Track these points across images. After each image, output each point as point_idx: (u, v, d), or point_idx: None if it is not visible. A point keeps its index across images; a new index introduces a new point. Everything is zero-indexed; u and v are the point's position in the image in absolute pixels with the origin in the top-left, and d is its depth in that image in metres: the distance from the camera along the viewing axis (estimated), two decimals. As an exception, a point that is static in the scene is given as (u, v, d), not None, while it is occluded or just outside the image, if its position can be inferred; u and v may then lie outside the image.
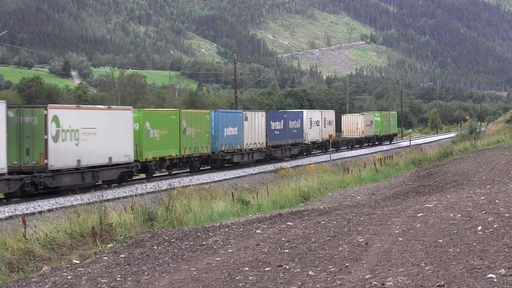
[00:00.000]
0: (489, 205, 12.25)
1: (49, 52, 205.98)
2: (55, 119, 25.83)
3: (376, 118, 69.75)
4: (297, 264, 8.72)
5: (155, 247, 11.04)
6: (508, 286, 6.62)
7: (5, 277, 9.84)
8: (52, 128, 25.61)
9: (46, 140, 25.31)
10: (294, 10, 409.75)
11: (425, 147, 53.11)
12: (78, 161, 27.03)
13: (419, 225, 10.95)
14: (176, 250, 10.57)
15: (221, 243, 10.92)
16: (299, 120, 51.30)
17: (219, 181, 33.78)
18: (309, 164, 41.93)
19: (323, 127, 56.06)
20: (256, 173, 38.31)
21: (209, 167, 40.11)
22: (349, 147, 64.13)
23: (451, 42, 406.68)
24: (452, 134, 78.27)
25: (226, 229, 12.58)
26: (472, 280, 6.91)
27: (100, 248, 11.27)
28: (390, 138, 74.35)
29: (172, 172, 36.45)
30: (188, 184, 30.56)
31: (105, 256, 10.56)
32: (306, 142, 52.59)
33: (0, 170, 23.45)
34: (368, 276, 7.58)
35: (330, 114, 59.05)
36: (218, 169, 39.58)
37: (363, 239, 10.09)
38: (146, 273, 9.02)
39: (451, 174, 25.01)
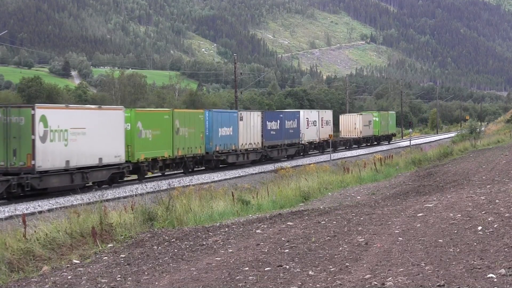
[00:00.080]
0: (489, 205, 12.25)
1: (49, 52, 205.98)
2: (43, 119, 25.25)
3: (374, 118, 69.41)
4: (297, 264, 8.72)
5: (155, 247, 11.04)
6: (508, 286, 6.62)
7: (5, 277, 9.84)
8: (39, 128, 25.02)
9: (33, 141, 24.74)
10: (294, 10, 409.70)
11: (425, 147, 53.08)
12: (67, 162, 26.43)
13: (419, 225, 10.95)
14: (176, 250, 10.57)
15: (221, 243, 10.92)
16: (296, 120, 50.78)
17: (219, 181, 33.74)
18: (309, 164, 41.90)
19: (321, 127, 55.52)
20: (256, 173, 38.25)
21: (203, 168, 39.61)
22: (347, 147, 63.69)
23: (451, 42, 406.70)
24: (452, 134, 78.18)
25: (226, 229, 12.58)
26: (472, 280, 6.91)
27: (100, 248, 11.26)
28: (388, 138, 73.85)
29: (166, 173, 35.93)
30: (188, 184, 30.55)
31: (105, 256, 10.56)
32: (303, 142, 52.03)
33: None
34: (368, 276, 7.58)
35: (328, 114, 58.39)
36: (213, 170, 38.99)
37: (363, 239, 10.10)
38: (146, 273, 9.02)
39: (451, 174, 25.01)
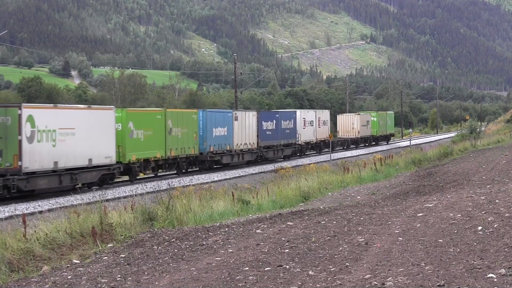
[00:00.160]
0: (489, 205, 12.25)
1: (49, 52, 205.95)
2: (30, 119, 24.62)
3: (372, 118, 68.89)
4: (297, 264, 8.73)
5: (155, 247, 11.05)
6: (508, 286, 6.62)
7: (5, 277, 9.84)
8: (26, 129, 24.39)
9: (20, 141, 24.12)
10: (294, 10, 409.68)
11: (425, 147, 53.05)
12: (55, 163, 25.79)
13: (419, 225, 10.95)
14: (176, 250, 10.57)
15: (221, 243, 10.92)
16: (292, 120, 49.92)
17: (219, 181, 33.70)
18: (309, 164, 41.88)
19: (318, 127, 54.73)
20: (256, 173, 38.20)
21: (197, 169, 38.99)
22: (345, 147, 63.19)
23: (451, 42, 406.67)
24: (452, 134, 78.11)
25: (226, 229, 12.58)
26: (472, 280, 6.91)
27: (100, 248, 11.27)
28: (387, 138, 73.08)
29: (158, 174, 35.43)
30: (188, 184, 30.52)
31: (105, 256, 10.56)
32: (299, 142, 51.19)
33: None
34: (368, 276, 7.58)
35: (325, 114, 57.60)
36: (207, 171, 38.43)
37: (363, 239, 10.10)
38: (146, 273, 9.02)
39: (451, 174, 25.01)
